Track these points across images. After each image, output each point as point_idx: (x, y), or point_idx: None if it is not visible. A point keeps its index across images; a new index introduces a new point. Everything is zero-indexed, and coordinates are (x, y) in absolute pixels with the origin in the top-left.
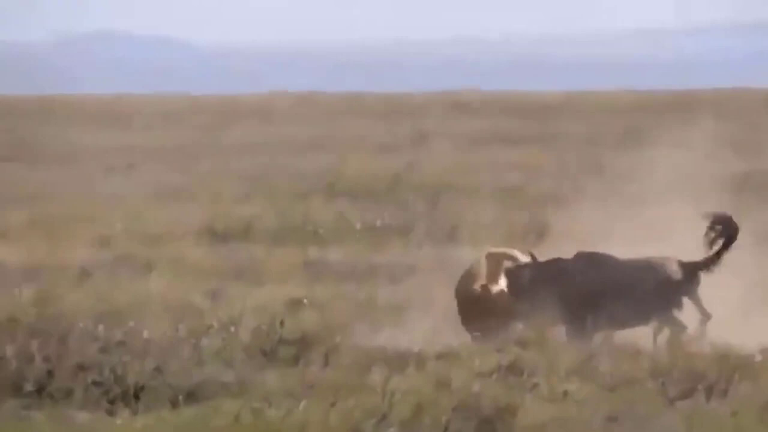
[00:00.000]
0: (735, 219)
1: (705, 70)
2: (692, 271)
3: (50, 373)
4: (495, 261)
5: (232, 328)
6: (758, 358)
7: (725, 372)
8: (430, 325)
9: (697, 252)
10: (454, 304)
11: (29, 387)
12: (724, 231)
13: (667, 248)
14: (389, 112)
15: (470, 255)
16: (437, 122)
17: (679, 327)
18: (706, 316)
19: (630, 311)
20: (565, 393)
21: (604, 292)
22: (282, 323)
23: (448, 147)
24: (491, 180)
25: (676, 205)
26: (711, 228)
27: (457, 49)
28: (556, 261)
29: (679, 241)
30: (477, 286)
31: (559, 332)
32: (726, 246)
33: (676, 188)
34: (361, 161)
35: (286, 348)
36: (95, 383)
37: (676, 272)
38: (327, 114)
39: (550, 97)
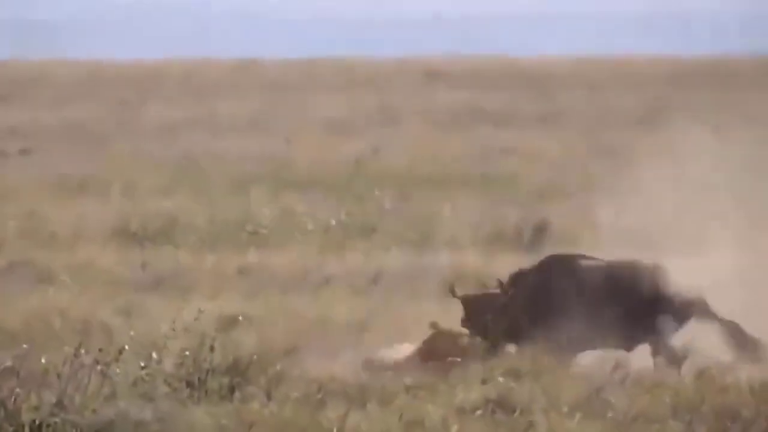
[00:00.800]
0: None
1: (746, 31)
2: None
3: None
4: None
5: (153, 354)
6: None
7: (765, 408)
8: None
9: (731, 257)
10: (428, 324)
11: None
12: None
13: (694, 253)
14: (347, 84)
15: (447, 261)
16: (407, 96)
17: (672, 356)
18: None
19: (608, 329)
20: None
21: (576, 303)
22: (213, 347)
23: (420, 127)
24: (475, 168)
25: (707, 199)
26: None
27: (429, 3)
28: (519, 275)
29: (710, 244)
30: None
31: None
32: None
33: (707, 178)
34: (313, 144)
35: (218, 378)
36: None
37: (672, 289)
38: (270, 85)
39: (552, 64)
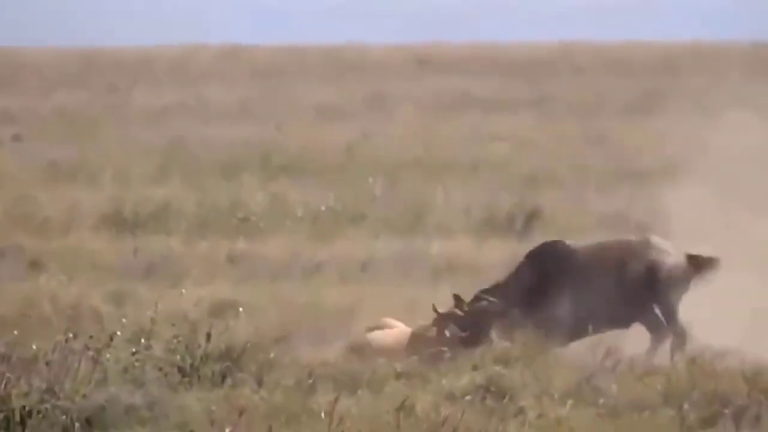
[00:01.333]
0: None
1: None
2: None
3: None
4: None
5: (142, 339)
6: None
7: (757, 394)
8: None
9: (727, 245)
10: (419, 309)
11: None
12: None
13: (689, 239)
14: (338, 70)
15: (438, 248)
16: (398, 82)
17: (677, 330)
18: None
19: (603, 311)
20: (559, 420)
21: (571, 287)
22: (209, 336)
23: (411, 113)
24: (466, 154)
25: (700, 186)
26: None
27: None
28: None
29: (704, 231)
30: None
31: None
32: None
33: (700, 165)
34: (303, 130)
35: (209, 364)
36: None
37: (667, 262)
38: (259, 72)
39: (542, 50)
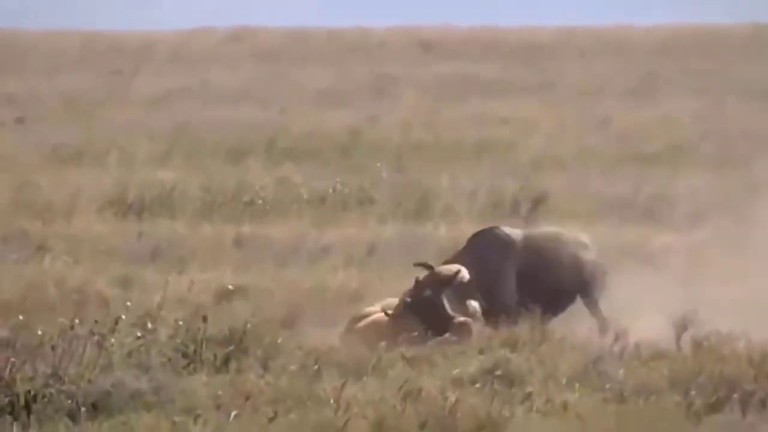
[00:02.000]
0: None
1: None
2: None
3: None
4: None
5: (148, 324)
6: None
7: (764, 379)
8: None
9: (728, 228)
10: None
11: None
12: None
13: (697, 226)
14: (342, 53)
15: (444, 232)
16: (403, 66)
17: (602, 321)
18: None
19: (533, 298)
20: (565, 405)
21: (508, 272)
22: (205, 318)
23: (416, 97)
24: (471, 138)
25: (705, 170)
26: None
27: None
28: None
29: (706, 214)
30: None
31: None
32: None
33: (702, 150)
34: (308, 114)
35: (214, 348)
36: None
37: (590, 257)
38: (264, 55)
39: (545, 35)
